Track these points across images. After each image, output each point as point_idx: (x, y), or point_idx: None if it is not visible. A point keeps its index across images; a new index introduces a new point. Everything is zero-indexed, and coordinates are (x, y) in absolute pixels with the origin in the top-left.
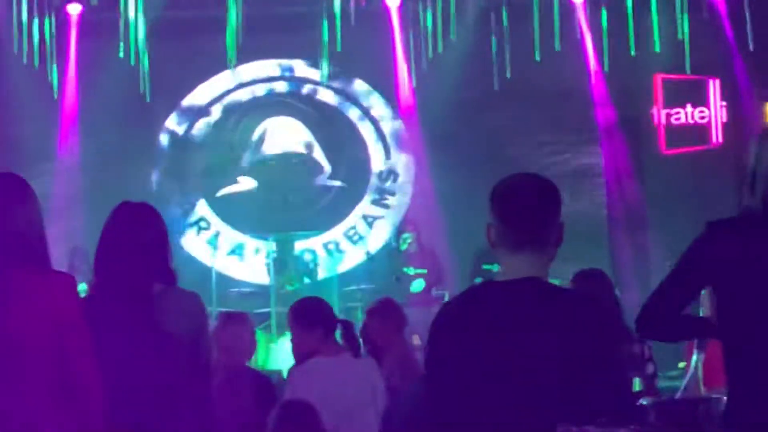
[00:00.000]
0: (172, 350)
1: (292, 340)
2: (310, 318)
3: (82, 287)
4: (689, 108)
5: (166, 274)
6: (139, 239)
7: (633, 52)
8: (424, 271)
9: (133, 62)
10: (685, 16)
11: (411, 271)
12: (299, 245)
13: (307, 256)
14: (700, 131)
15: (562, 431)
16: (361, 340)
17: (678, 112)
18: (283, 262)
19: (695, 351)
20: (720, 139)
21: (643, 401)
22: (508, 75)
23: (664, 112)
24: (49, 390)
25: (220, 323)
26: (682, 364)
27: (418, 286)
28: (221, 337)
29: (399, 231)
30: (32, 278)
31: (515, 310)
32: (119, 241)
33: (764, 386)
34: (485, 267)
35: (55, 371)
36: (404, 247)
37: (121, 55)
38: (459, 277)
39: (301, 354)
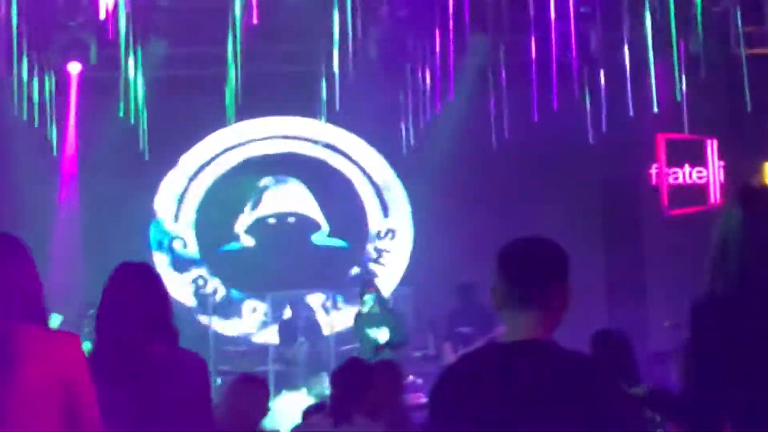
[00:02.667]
0: (170, 412)
1: None
2: None
3: (87, 346)
4: (687, 168)
5: (168, 333)
6: (138, 299)
7: (631, 113)
8: (386, 329)
9: (132, 121)
10: (683, 77)
11: (373, 332)
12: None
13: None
14: (698, 191)
15: None
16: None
17: (676, 172)
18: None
19: None
20: (718, 200)
21: None
22: (506, 135)
23: (663, 171)
24: None
25: (237, 385)
26: None
27: (382, 337)
28: (237, 399)
29: (360, 293)
30: (39, 336)
31: (521, 375)
32: (119, 302)
33: None
34: (458, 329)
35: (60, 429)
36: (366, 309)
37: (121, 113)
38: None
39: None
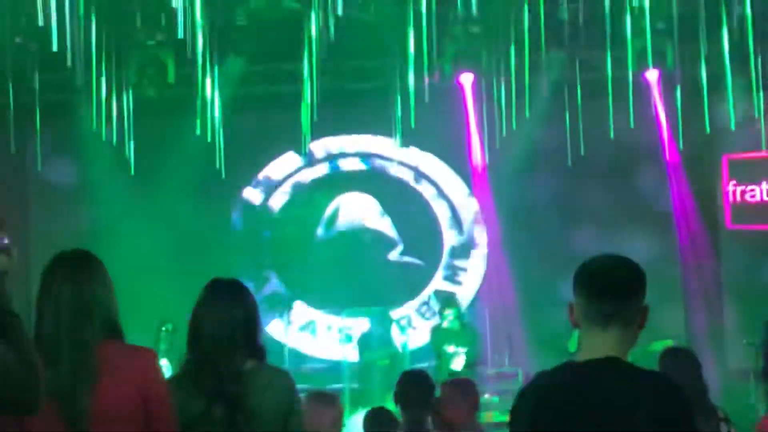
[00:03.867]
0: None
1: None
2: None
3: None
4: (765, 185)
5: (256, 350)
6: (230, 317)
7: (708, 130)
8: (465, 348)
9: (209, 139)
10: (761, 93)
11: (451, 348)
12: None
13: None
14: None
15: None
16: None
17: (753, 190)
18: (375, 338)
19: None
20: None
21: None
22: (582, 152)
23: (738, 189)
24: None
25: (306, 402)
26: None
27: (458, 364)
28: (307, 417)
29: (441, 307)
30: (118, 351)
31: (600, 393)
32: (210, 319)
33: None
34: None
35: None
36: (449, 324)
37: (198, 132)
38: (533, 353)
39: None
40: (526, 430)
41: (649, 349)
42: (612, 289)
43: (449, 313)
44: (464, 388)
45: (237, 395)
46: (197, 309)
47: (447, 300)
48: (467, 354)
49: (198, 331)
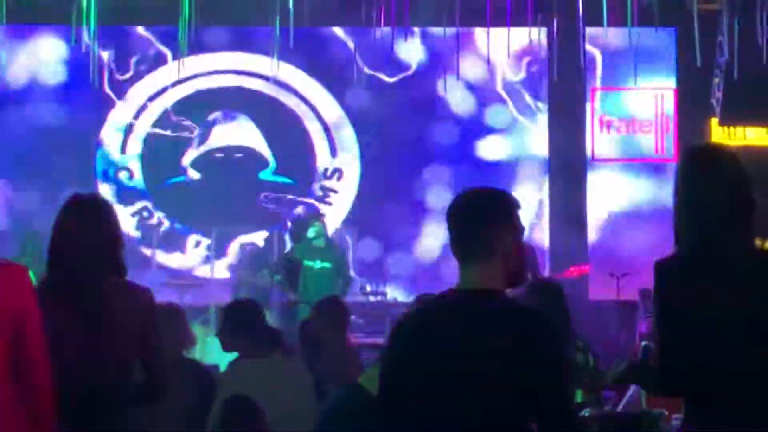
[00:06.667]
0: (119, 346)
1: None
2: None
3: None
4: None
5: (117, 268)
6: (92, 234)
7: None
8: (329, 265)
9: (83, 49)
10: None
11: (317, 264)
12: (241, 239)
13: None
14: None
15: None
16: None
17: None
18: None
19: None
20: None
21: (586, 412)
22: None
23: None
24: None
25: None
26: None
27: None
28: None
29: (308, 222)
30: None
31: (468, 324)
32: (72, 236)
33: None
34: None
35: (8, 357)
36: (312, 236)
37: (73, 42)
38: (400, 279)
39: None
40: (400, 356)
41: None
42: (462, 222)
43: (314, 229)
44: (327, 306)
45: (97, 310)
46: (59, 225)
47: (312, 216)
48: (334, 270)
49: (59, 247)
